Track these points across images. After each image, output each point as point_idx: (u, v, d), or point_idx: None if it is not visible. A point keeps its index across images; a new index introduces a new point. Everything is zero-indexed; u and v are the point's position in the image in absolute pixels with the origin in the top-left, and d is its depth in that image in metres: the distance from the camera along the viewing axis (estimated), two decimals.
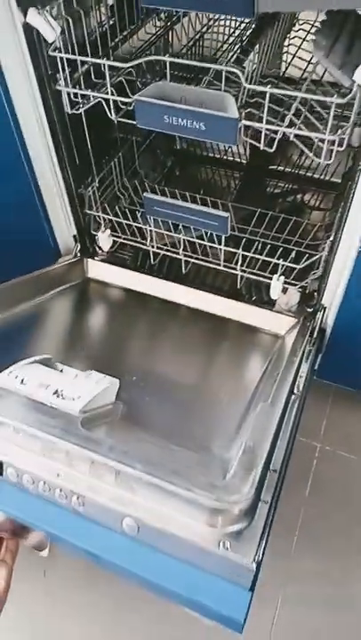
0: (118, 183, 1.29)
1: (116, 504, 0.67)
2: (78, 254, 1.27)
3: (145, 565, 0.66)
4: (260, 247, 1.15)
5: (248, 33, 1.11)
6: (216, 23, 1.20)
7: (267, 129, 0.84)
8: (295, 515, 1.15)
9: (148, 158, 1.46)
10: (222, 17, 1.19)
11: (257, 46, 0.95)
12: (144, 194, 1.07)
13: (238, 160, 1.54)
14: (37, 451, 0.70)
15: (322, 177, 1.45)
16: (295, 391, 0.99)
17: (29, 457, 0.70)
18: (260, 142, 0.87)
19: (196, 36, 1.17)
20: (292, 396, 0.96)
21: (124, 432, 0.78)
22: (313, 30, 1.04)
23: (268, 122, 0.83)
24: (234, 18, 1.19)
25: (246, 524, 0.65)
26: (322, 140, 0.82)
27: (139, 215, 1.22)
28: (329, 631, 1.02)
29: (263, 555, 0.64)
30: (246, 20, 1.16)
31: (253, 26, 1.08)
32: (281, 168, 1.49)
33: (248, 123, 0.85)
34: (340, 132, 0.81)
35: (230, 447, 0.80)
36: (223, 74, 0.85)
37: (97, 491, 0.67)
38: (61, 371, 0.82)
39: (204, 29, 1.18)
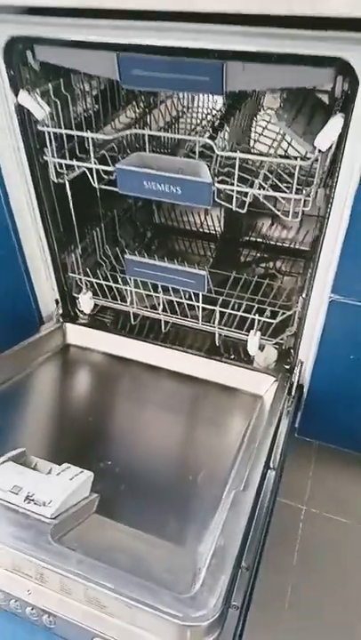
0: (100, 250, 1.35)
1: (86, 622, 0.64)
2: (60, 319, 1.29)
3: None
4: (236, 306, 1.19)
5: (218, 118, 1.24)
6: (189, 110, 1.34)
7: (237, 191, 0.92)
8: (284, 585, 1.09)
9: (129, 229, 1.55)
10: (195, 104, 1.33)
11: (226, 124, 1.06)
12: (125, 255, 1.13)
13: (213, 232, 1.63)
14: (9, 566, 0.68)
15: (291, 245, 1.55)
16: (271, 465, 0.98)
17: (0, 573, 0.68)
18: (232, 204, 0.94)
19: (172, 120, 1.30)
20: (269, 472, 0.95)
21: (97, 533, 0.75)
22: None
23: (238, 185, 0.91)
24: (205, 106, 1.33)
25: (216, 635, 0.63)
26: (288, 200, 0.90)
27: (119, 278, 1.26)
28: None
29: None
30: (216, 108, 1.30)
31: (223, 111, 1.21)
32: (253, 239, 1.58)
33: (220, 186, 0.93)
34: (304, 192, 0.89)
35: (202, 540, 0.78)
36: (197, 145, 0.94)
37: (67, 608, 0.65)
38: (35, 465, 0.81)
39: (180, 114, 1.31)
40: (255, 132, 1.21)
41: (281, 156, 0.94)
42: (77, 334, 1.28)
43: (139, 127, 1.25)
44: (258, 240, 1.58)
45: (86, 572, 0.62)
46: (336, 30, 0.69)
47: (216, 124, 1.13)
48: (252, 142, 1.16)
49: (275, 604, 1.06)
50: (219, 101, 1.31)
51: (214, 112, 1.31)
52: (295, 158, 0.96)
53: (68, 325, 1.29)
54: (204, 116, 1.29)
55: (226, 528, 0.74)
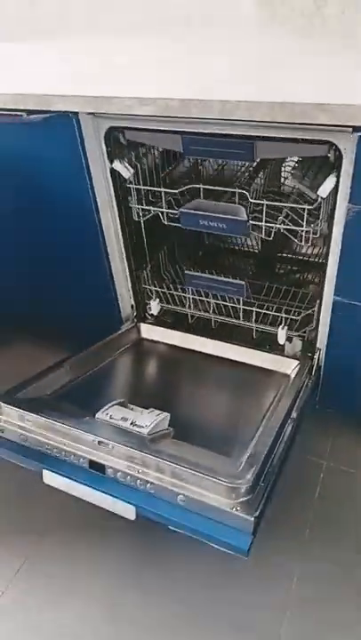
0: (164, 267, 1.77)
1: (173, 487, 1.04)
2: (135, 320, 1.72)
3: (192, 521, 1.02)
4: (269, 307, 1.58)
5: (254, 165, 1.64)
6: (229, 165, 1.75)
7: (266, 225, 1.32)
8: (305, 515, 1.45)
9: (185, 250, 1.96)
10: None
11: (258, 175, 1.46)
12: (185, 271, 1.54)
13: (252, 250, 2.03)
14: (125, 458, 1.09)
15: (317, 260, 1.91)
16: (293, 416, 1.35)
17: (120, 462, 1.09)
18: (262, 234, 1.34)
19: (219, 171, 1.71)
20: (289, 420, 1.32)
21: (176, 446, 1.17)
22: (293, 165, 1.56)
23: (266, 221, 1.30)
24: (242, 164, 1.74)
25: (249, 497, 1.01)
26: (302, 231, 1.29)
27: (180, 288, 1.68)
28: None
29: (261, 515, 0.99)
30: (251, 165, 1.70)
31: (255, 167, 1.61)
32: (286, 254, 1.96)
33: (253, 222, 1.33)
34: (312, 225, 1.27)
35: (244, 452, 1.18)
36: (237, 194, 1.35)
37: (161, 480, 1.06)
38: (132, 409, 1.23)
39: (223, 167, 1.72)
40: (283, 176, 1.60)
41: (295, 202, 1.33)
42: (149, 331, 1.70)
43: (194, 177, 1.67)
44: (289, 255, 1.96)
45: (172, 459, 1.03)
46: (324, 126, 1.08)
47: (252, 172, 1.53)
48: (279, 185, 1.55)
49: (296, 532, 1.43)
50: None
51: (247, 167, 1.71)
52: (305, 202, 1.34)
53: (142, 324, 1.71)
54: (240, 167, 1.69)
55: (258, 445, 1.13)
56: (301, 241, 1.31)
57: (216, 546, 0.97)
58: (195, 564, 1.37)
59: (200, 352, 1.62)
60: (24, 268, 1.77)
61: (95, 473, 1.08)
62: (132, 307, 1.72)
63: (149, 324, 1.72)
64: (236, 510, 0.97)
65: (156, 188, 1.42)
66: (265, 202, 1.28)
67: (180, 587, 1.34)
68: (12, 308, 1.84)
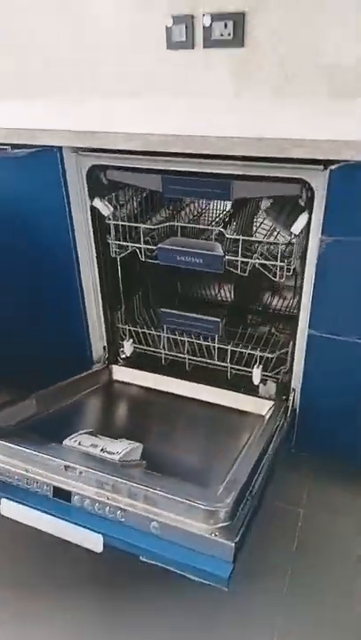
0: (138, 309, 1.77)
1: (146, 513, 0.97)
2: (106, 361, 1.68)
3: (167, 549, 0.94)
4: (242, 348, 1.58)
5: (228, 215, 1.71)
6: (207, 209, 1.83)
7: (242, 261, 1.35)
8: (284, 568, 1.36)
9: (158, 299, 1.98)
10: (211, 206, 1.82)
11: (234, 220, 1.53)
12: (160, 308, 1.54)
13: (225, 301, 2.06)
14: (93, 483, 1.02)
15: (287, 312, 1.96)
16: (269, 452, 1.31)
17: (88, 488, 1.02)
18: (238, 270, 1.37)
19: (196, 215, 1.78)
20: (266, 456, 1.28)
21: (149, 475, 1.10)
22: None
23: (243, 255, 1.34)
24: (218, 207, 1.82)
25: (229, 523, 0.95)
26: (275, 266, 1.33)
27: (153, 329, 1.67)
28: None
29: (242, 542, 0.92)
30: (227, 208, 1.79)
31: (232, 211, 1.68)
32: (257, 307, 2.00)
33: (229, 257, 1.36)
34: (286, 261, 1.32)
35: (222, 481, 1.12)
36: (213, 233, 1.40)
37: (133, 506, 0.99)
38: (102, 438, 1.17)
39: (201, 212, 1.79)
40: (257, 223, 1.68)
41: (268, 242, 1.38)
42: (120, 372, 1.67)
43: (173, 221, 1.72)
44: (260, 309, 2.00)
45: (146, 483, 0.96)
46: (298, 164, 1.16)
47: (226, 219, 1.60)
48: (254, 229, 1.62)
49: (276, 585, 1.33)
50: (228, 204, 1.79)
51: (225, 211, 1.80)
52: (280, 240, 1.39)
53: (114, 366, 1.68)
54: (218, 213, 1.77)
55: (236, 473, 1.08)
56: (275, 277, 1.35)
57: (194, 577, 0.88)
58: (169, 609, 1.23)
59: (174, 394, 1.59)
60: None
61: (60, 501, 1.00)
62: (104, 348, 1.69)
63: (122, 365, 1.69)
64: (215, 536, 0.90)
65: (134, 224, 1.46)
66: (241, 237, 1.33)
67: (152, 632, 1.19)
68: None
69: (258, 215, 1.61)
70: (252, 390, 1.57)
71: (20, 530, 1.00)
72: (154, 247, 1.43)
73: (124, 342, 1.67)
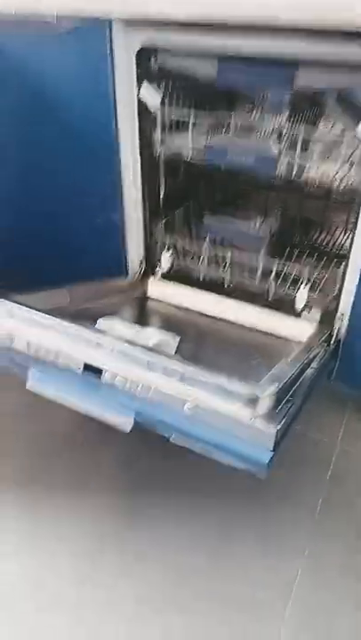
0: (179, 220, 1.66)
1: (180, 395, 0.89)
2: (141, 275, 1.59)
3: (200, 430, 0.86)
4: (289, 267, 1.46)
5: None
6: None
7: (298, 164, 1.23)
8: (316, 495, 1.28)
9: (201, 210, 1.85)
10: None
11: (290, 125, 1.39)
12: (205, 217, 1.43)
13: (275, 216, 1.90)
14: (126, 360, 0.95)
15: (342, 232, 1.81)
16: (308, 375, 1.21)
17: (120, 365, 0.95)
18: (292, 174, 1.25)
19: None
20: (305, 374, 1.18)
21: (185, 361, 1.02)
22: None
23: (300, 158, 1.21)
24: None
25: (271, 411, 0.86)
26: (336, 173, 1.20)
27: (194, 242, 1.56)
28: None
29: (283, 432, 0.84)
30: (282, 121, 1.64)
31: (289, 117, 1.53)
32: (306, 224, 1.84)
33: (286, 159, 1.24)
34: (349, 167, 1.18)
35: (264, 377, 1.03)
36: (271, 124, 1.27)
37: (167, 386, 0.91)
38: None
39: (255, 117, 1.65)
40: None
41: (331, 141, 1.25)
42: (156, 288, 1.58)
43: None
44: (310, 226, 1.84)
45: (183, 364, 0.87)
46: None
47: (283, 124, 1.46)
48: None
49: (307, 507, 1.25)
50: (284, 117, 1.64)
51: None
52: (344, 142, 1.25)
53: (149, 280, 1.58)
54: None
55: (277, 371, 0.99)
56: (333, 191, 1.22)
57: (228, 460, 0.80)
58: (196, 492, 1.19)
59: (210, 314, 1.50)
60: (30, 195, 1.63)
61: (89, 377, 0.93)
62: (140, 261, 1.60)
63: (158, 280, 1.59)
64: (256, 422, 0.81)
65: (183, 118, 1.34)
66: (301, 134, 1.20)
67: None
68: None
69: (320, 119, 1.46)
70: (294, 315, 1.46)
71: (45, 405, 0.95)
72: (202, 145, 1.32)
73: (162, 255, 1.57)
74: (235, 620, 1.03)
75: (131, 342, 0.96)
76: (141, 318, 1.47)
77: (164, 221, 1.57)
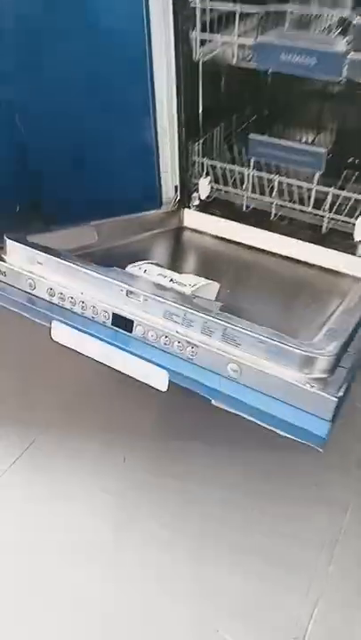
0: (220, 140, 1.45)
1: (222, 352, 0.77)
2: (177, 205, 1.43)
3: (245, 395, 0.74)
4: (347, 194, 1.26)
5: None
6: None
7: None
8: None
9: (246, 127, 1.62)
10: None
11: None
12: (250, 135, 1.23)
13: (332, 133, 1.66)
14: (160, 314, 0.82)
15: None
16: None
17: (153, 319, 0.82)
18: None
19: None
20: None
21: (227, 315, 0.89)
22: None
23: None
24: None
25: (329, 375, 0.73)
26: None
27: (237, 165, 1.37)
28: None
29: (343, 399, 0.71)
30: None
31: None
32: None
33: (355, 56, 1.00)
34: None
35: (319, 330, 0.89)
36: (335, 17, 1.03)
37: (208, 343, 0.78)
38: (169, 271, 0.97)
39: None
40: None
41: None
42: (193, 218, 1.41)
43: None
44: None
45: (224, 318, 0.74)
46: None
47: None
48: None
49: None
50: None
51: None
52: None
53: (185, 210, 1.42)
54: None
55: (336, 324, 0.86)
56: None
57: (278, 428, 0.70)
58: (236, 461, 1.11)
59: (254, 247, 1.33)
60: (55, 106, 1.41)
61: (119, 330, 0.82)
62: (175, 188, 1.42)
63: (194, 210, 1.42)
64: (311, 387, 0.69)
65: (227, 7, 1.10)
66: None
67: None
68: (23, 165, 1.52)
69: None
70: (350, 249, 1.28)
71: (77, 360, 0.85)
72: (251, 41, 1.09)
73: (200, 181, 1.39)
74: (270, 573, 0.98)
75: (165, 290, 0.83)
76: (176, 256, 1.33)
77: (202, 140, 1.37)
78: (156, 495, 1.10)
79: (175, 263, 1.28)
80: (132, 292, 0.80)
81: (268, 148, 1.23)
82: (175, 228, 1.42)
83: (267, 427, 0.72)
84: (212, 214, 1.40)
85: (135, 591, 0.97)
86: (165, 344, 0.79)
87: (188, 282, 0.86)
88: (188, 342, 0.77)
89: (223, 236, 1.38)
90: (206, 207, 1.42)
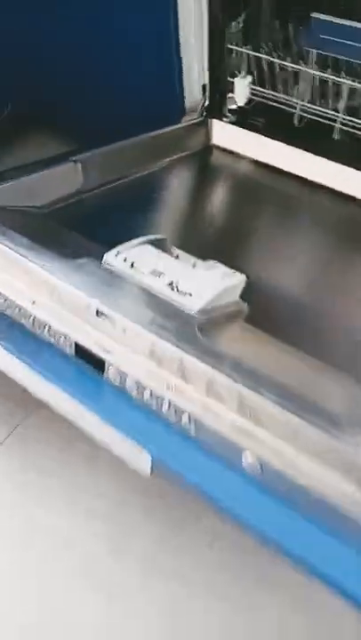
0: (266, 20, 1.07)
1: (235, 433, 0.50)
2: (204, 112, 1.11)
3: (269, 518, 0.49)
4: None
5: None
6: None
7: None
8: None
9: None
10: None
11: None
12: (312, 13, 0.83)
13: None
14: (146, 353, 0.55)
15: None
16: None
17: (135, 359, 0.56)
18: None
19: None
20: None
21: (250, 341, 0.62)
22: None
23: None
24: None
25: None
26: None
27: (288, 60, 1.00)
28: None
29: None
30: None
31: None
32: None
33: None
34: None
35: None
36: None
37: (214, 413, 0.52)
38: (177, 257, 0.68)
39: None
40: None
41: None
42: (224, 133, 1.12)
43: None
44: None
45: (242, 376, 0.48)
46: None
47: None
48: None
49: None
50: None
51: None
52: None
53: (215, 121, 1.11)
54: None
55: None
56: None
57: (318, 579, 0.45)
58: None
59: (304, 178, 1.03)
60: None
61: (85, 367, 0.55)
62: (203, 88, 1.08)
63: (227, 122, 1.11)
64: None
65: None
66: None
67: None
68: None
69: None
70: None
71: None
72: None
73: (237, 80, 1.05)
74: None
75: (159, 302, 0.54)
76: (197, 200, 1.04)
77: (241, 20, 1.02)
78: None
79: (193, 210, 1.01)
80: (102, 312, 0.51)
81: (340, 34, 0.85)
82: (200, 150, 1.13)
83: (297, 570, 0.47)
84: (251, 129, 1.10)
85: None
86: (149, 402, 0.51)
87: (197, 287, 0.57)
88: (182, 409, 0.49)
89: (265, 161, 1.08)
90: (244, 118, 1.13)
